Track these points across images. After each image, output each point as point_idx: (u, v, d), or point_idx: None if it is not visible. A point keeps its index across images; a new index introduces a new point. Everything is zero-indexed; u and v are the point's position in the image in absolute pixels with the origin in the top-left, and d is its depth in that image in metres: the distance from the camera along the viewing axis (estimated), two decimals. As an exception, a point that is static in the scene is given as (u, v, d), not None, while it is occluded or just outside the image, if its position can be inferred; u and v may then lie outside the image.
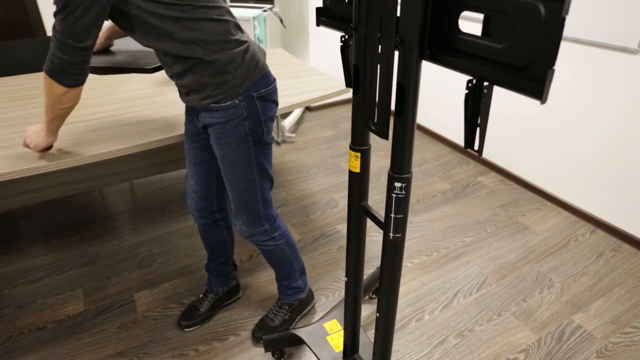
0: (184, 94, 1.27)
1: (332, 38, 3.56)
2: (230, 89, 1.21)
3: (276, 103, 1.34)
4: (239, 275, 1.96)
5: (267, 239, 1.48)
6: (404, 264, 2.03)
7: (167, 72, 1.25)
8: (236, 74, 1.21)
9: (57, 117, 1.23)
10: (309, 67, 2.25)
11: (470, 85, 0.68)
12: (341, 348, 1.41)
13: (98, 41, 1.54)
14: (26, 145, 1.32)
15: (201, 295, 1.76)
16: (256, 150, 1.31)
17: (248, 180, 1.35)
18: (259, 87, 1.26)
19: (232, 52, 1.19)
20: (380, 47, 0.78)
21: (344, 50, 0.93)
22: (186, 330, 1.69)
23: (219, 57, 1.18)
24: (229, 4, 3.07)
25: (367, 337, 1.42)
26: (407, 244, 2.15)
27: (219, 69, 1.18)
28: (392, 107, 3.34)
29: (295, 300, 1.71)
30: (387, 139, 0.84)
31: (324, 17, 0.99)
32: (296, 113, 3.46)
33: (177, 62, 1.18)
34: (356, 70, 0.87)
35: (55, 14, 1.03)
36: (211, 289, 1.75)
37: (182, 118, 1.67)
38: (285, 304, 1.71)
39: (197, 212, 1.55)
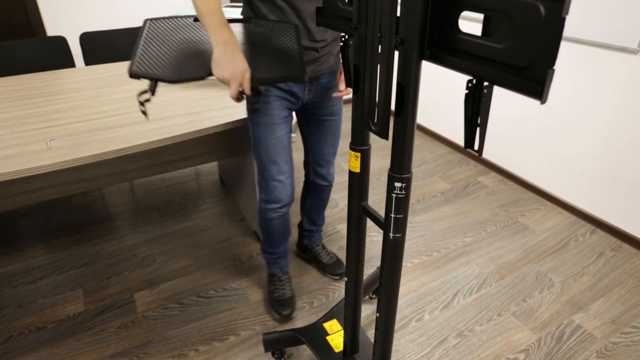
0: (322, 62, 1.40)
1: (332, 38, 3.55)
2: None
3: None
4: (238, 275, 1.97)
5: None
6: (404, 264, 2.03)
7: (310, 45, 1.33)
8: None
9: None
10: (309, 67, 2.25)
11: (470, 85, 0.68)
12: (341, 348, 1.41)
13: None
14: (231, 82, 1.09)
15: (279, 283, 1.77)
16: None
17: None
18: None
19: None
20: (380, 47, 0.78)
21: (344, 50, 0.93)
22: (293, 317, 1.74)
23: None
24: (230, 3, 3.07)
25: (367, 337, 1.42)
26: (407, 244, 2.15)
27: None
28: (392, 107, 3.34)
29: None
30: (387, 139, 0.84)
31: (324, 17, 0.99)
32: (296, 113, 3.46)
33: None
34: (356, 70, 0.87)
35: None
36: (284, 271, 1.80)
37: (182, 118, 1.67)
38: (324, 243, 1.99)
39: (288, 198, 1.53)
